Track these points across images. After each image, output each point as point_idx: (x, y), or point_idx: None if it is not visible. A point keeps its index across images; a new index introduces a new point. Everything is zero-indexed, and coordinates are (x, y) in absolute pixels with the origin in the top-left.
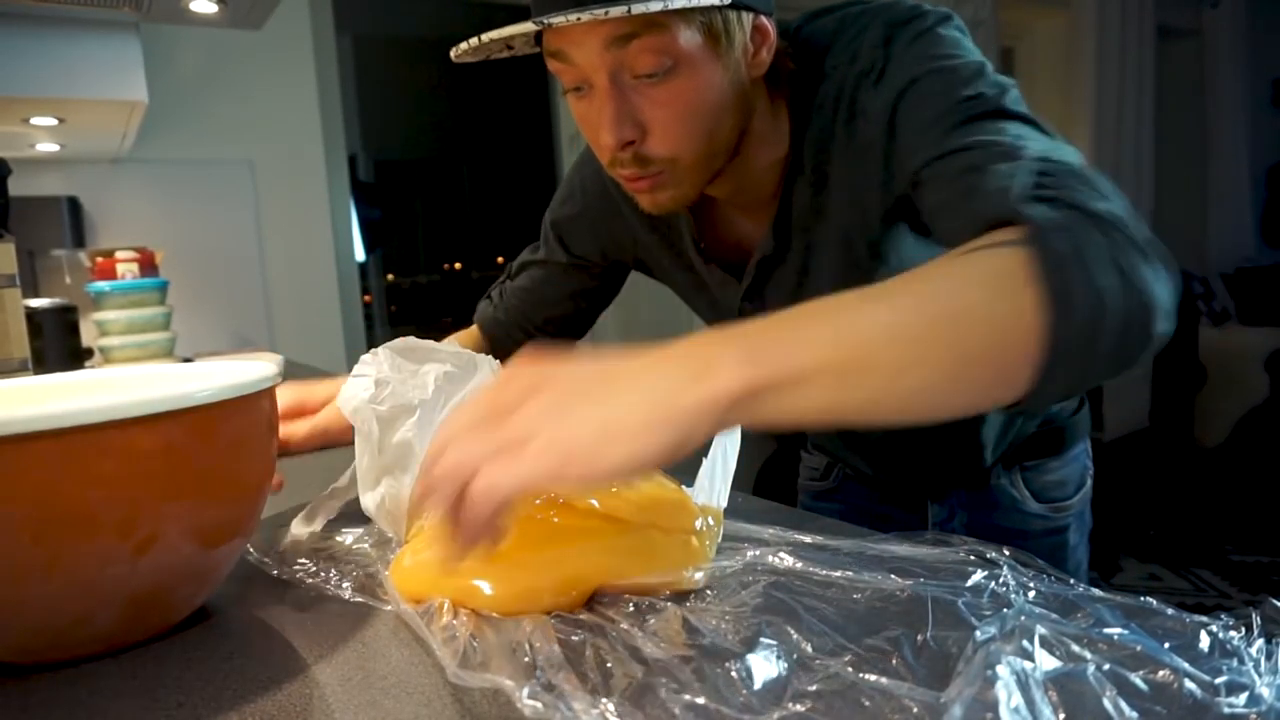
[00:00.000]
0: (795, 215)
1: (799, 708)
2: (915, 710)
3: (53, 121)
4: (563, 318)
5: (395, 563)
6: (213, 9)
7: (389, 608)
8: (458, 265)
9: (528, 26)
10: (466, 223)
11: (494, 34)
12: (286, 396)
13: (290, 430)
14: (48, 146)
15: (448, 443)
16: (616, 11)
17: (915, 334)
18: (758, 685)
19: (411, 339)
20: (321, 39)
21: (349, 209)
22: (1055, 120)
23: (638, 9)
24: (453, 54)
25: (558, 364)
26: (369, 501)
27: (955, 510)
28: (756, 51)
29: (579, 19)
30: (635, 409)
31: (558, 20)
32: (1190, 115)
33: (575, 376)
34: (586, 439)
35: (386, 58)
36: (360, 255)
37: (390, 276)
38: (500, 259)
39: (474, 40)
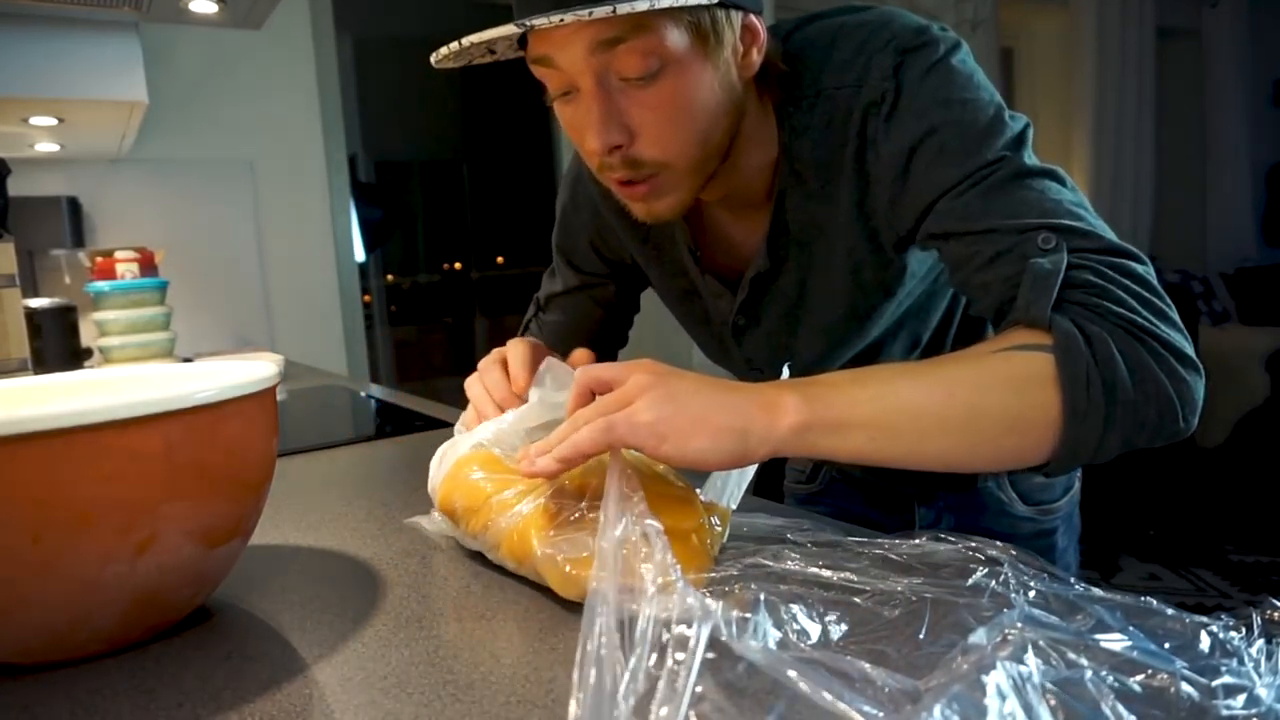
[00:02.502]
0: (793, 230)
1: (774, 662)
2: (888, 690)
3: (53, 121)
4: (600, 336)
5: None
6: (213, 9)
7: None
8: (458, 265)
9: (509, 29)
10: (466, 223)
11: (475, 37)
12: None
13: None
14: (48, 146)
15: (585, 410)
16: (601, 11)
17: (940, 413)
18: (738, 639)
19: (557, 362)
20: (321, 39)
21: (349, 209)
22: (1055, 120)
23: (623, 9)
24: (433, 59)
25: (662, 373)
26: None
27: (942, 514)
28: (746, 52)
29: (561, 20)
30: (718, 417)
31: (539, 21)
32: (1190, 115)
33: (678, 384)
34: (680, 427)
35: (386, 58)
36: (360, 255)
37: (390, 277)
38: (500, 259)
39: (454, 45)
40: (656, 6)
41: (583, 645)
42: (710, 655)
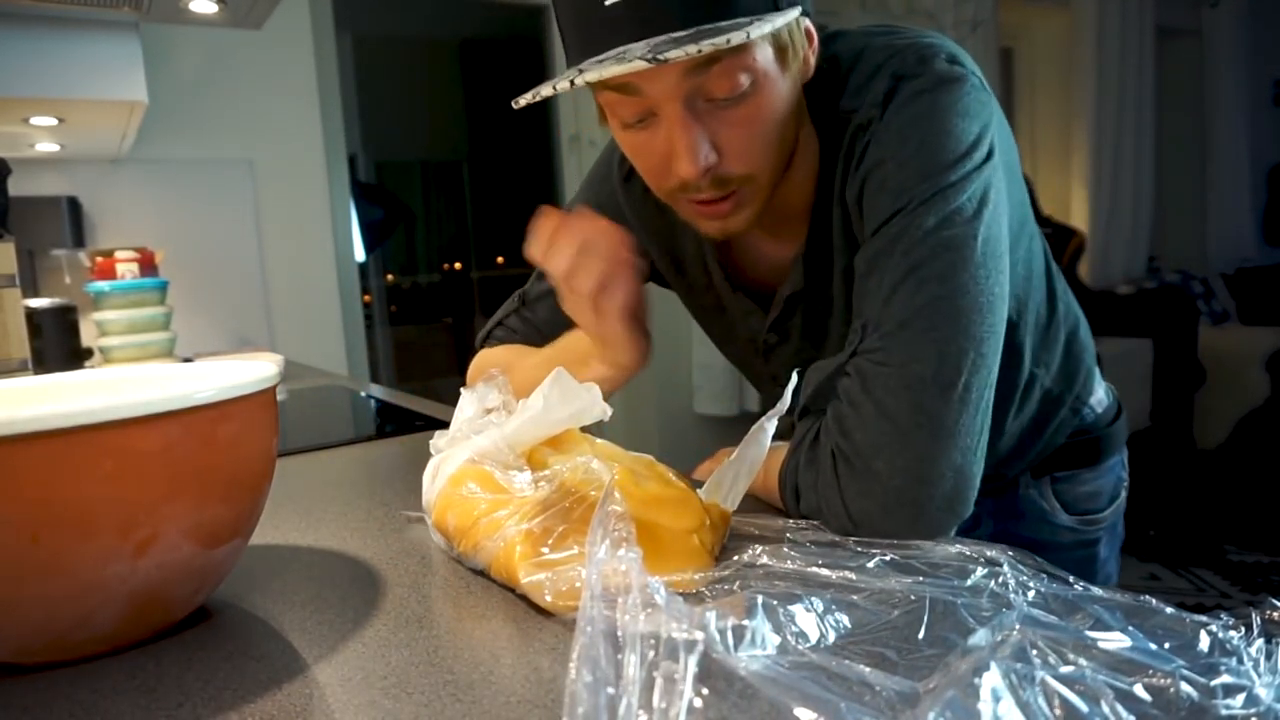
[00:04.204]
0: (820, 249)
1: (770, 675)
2: (885, 695)
3: (53, 121)
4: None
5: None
6: (213, 9)
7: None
8: (458, 265)
9: (637, 65)
10: (467, 223)
11: (593, 76)
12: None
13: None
14: (48, 146)
15: None
16: (738, 38)
17: (763, 486)
18: (735, 649)
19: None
20: (321, 39)
21: (349, 209)
22: (1056, 120)
23: (754, 32)
24: (521, 101)
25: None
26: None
27: (982, 519)
28: (806, 56)
29: (699, 50)
30: None
31: (675, 55)
32: (1190, 115)
33: None
34: None
35: (386, 58)
36: (360, 255)
37: (390, 276)
38: (500, 259)
39: (564, 84)
40: (776, 26)
41: (569, 690)
42: (704, 691)
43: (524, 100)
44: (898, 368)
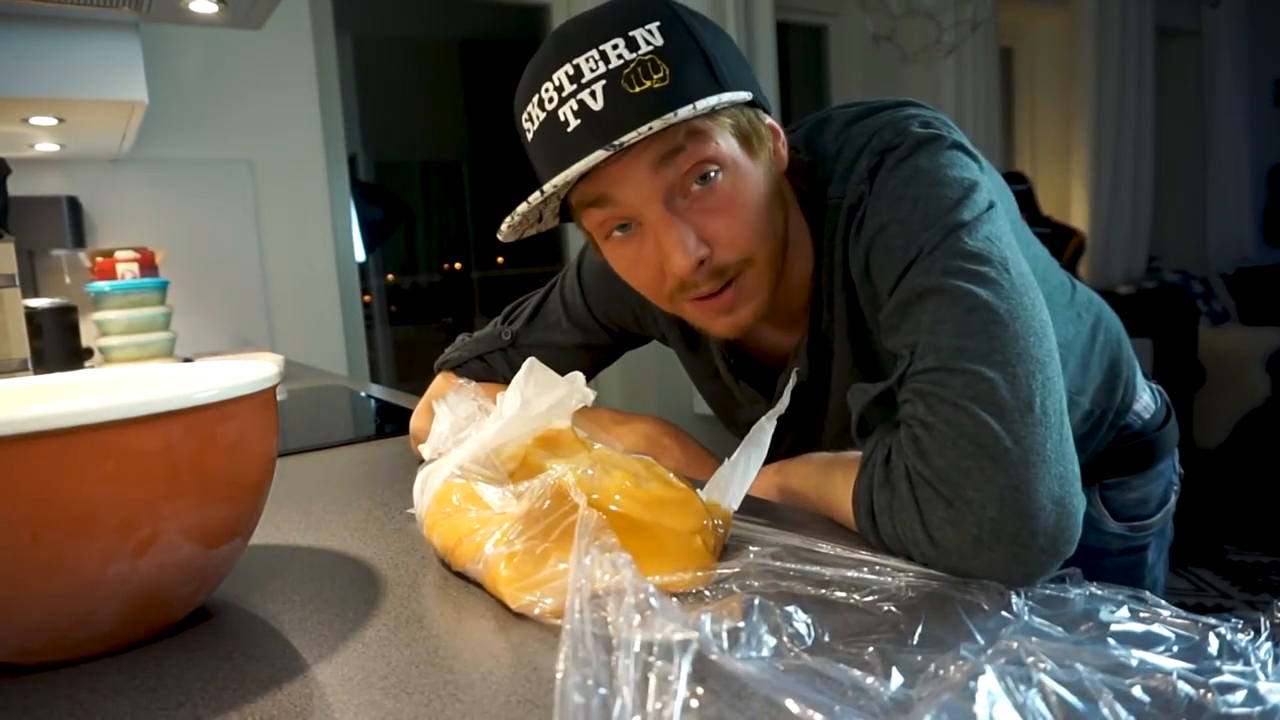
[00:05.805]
0: (822, 339)
1: (765, 676)
2: (879, 701)
3: (53, 121)
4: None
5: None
6: (213, 9)
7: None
8: (458, 265)
9: (596, 156)
10: (467, 223)
11: (563, 178)
12: None
13: None
14: (48, 146)
15: None
16: (685, 111)
17: (817, 499)
18: (732, 651)
19: (540, 364)
20: (321, 39)
21: (349, 209)
22: (1056, 120)
23: (702, 105)
24: (502, 235)
25: None
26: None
27: None
28: (775, 148)
29: (649, 129)
30: None
31: (629, 137)
32: (1190, 115)
33: None
34: None
35: (386, 58)
36: (360, 255)
37: (390, 276)
38: (500, 259)
39: (523, 206)
40: (719, 101)
41: (558, 690)
42: (699, 691)
43: (505, 227)
44: (963, 388)
